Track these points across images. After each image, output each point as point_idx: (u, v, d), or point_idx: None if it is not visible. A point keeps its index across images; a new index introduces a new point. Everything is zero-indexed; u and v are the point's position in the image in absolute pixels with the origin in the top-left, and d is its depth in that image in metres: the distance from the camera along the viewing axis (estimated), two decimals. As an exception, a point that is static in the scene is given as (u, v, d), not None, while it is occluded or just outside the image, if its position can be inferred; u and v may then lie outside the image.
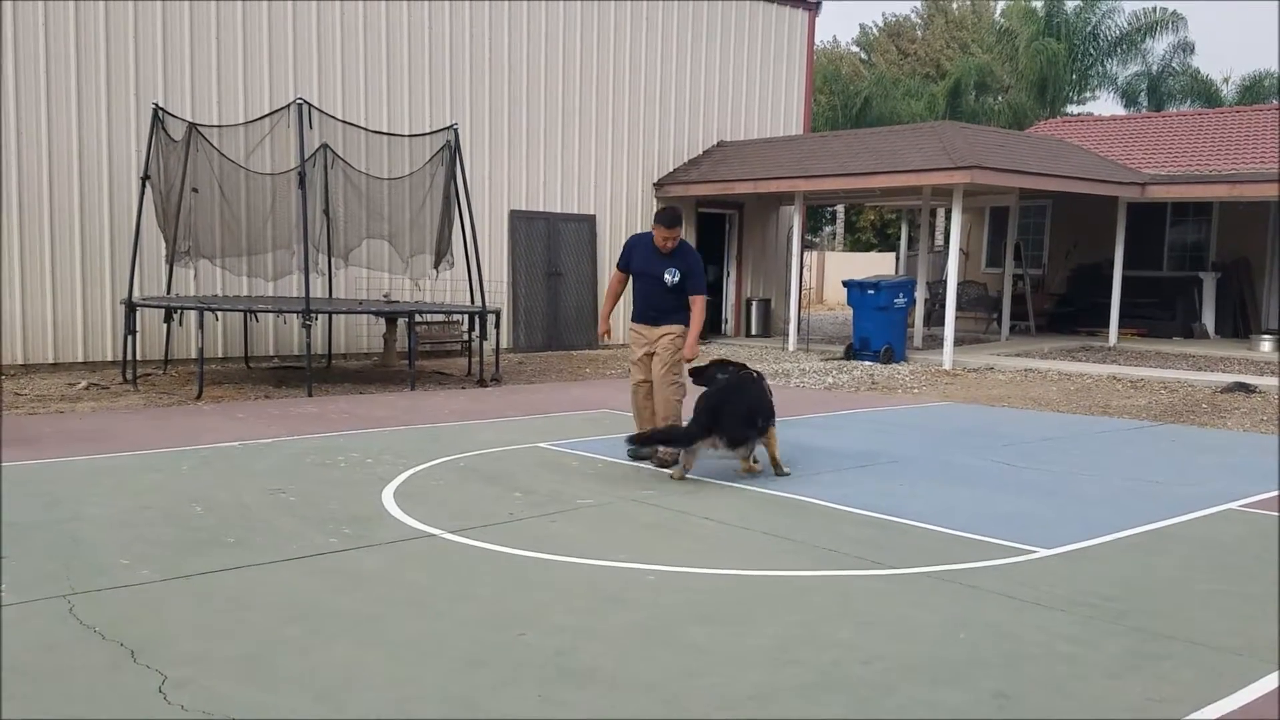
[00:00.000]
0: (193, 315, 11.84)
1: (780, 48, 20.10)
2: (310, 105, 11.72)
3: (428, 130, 13.87)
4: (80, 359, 12.65)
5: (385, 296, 13.94)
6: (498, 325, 12.91)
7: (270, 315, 13.07)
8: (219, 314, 12.50)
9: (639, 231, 8.83)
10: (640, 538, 5.67)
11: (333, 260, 13.43)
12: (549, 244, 17.06)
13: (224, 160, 12.31)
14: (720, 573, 5.01)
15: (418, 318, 12.86)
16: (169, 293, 12.60)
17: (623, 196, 18.02)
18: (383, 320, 13.97)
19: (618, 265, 7.89)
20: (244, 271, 12.90)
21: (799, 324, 17.90)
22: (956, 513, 6.28)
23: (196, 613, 4.33)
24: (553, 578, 4.91)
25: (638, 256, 7.65)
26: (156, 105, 12.11)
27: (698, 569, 5.05)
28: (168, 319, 12.13)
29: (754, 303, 19.98)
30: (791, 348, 17.57)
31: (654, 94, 18.25)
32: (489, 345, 12.84)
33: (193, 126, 12.06)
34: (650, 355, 7.59)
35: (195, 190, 12.15)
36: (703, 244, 19.38)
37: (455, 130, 12.82)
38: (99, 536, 5.38)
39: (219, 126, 12.58)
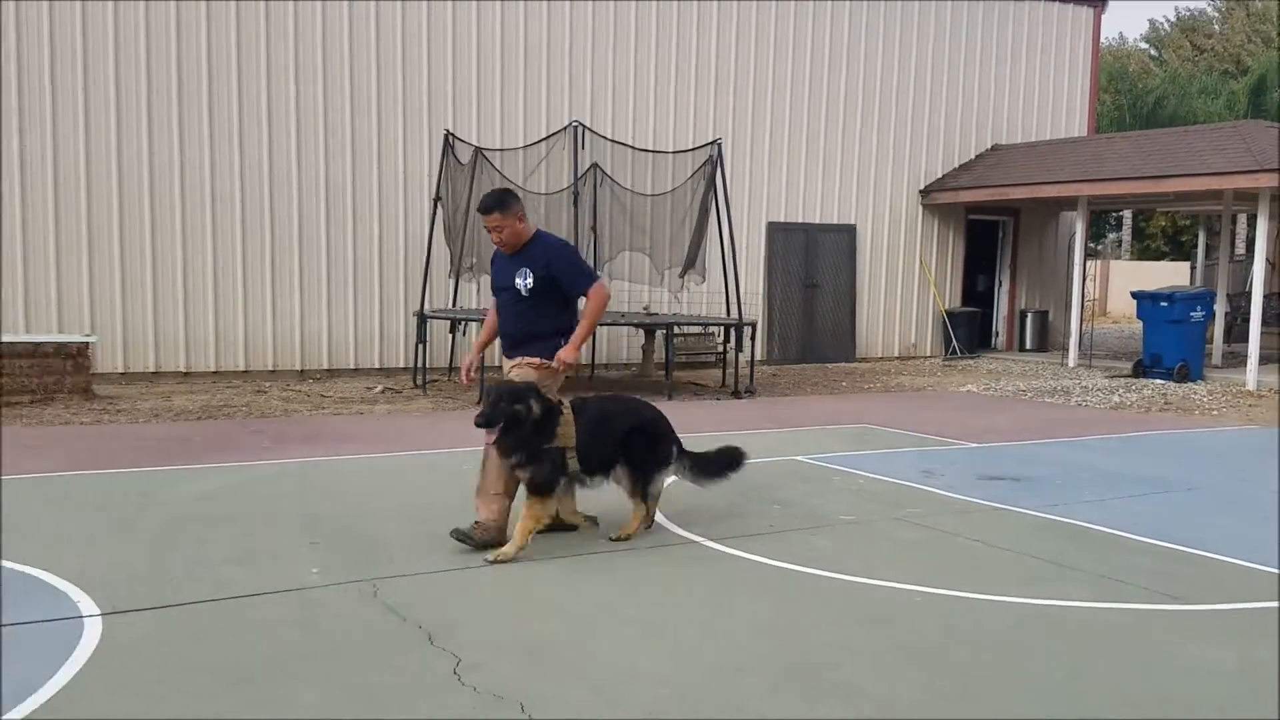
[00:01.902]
0: (474, 326, 12.70)
1: (1062, 46, 19.07)
2: (584, 127, 12.29)
3: (691, 146, 14.19)
4: (377, 365, 13.86)
5: (645, 309, 14.36)
6: (753, 337, 12.99)
7: (541, 326, 13.76)
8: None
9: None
10: (905, 557, 5.55)
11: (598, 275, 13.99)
12: (806, 255, 16.98)
13: (504, 182, 13.14)
14: (990, 598, 4.82)
15: (675, 329, 13.15)
16: (454, 305, 13.57)
17: (885, 205, 17.66)
18: (641, 332, 14.40)
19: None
20: (519, 285, 13.68)
21: (1080, 338, 16.85)
22: (1262, 548, 5.72)
23: (483, 602, 4.65)
24: (815, 591, 4.90)
25: (494, 269, 5.78)
26: (448, 131, 13.10)
27: (966, 592, 4.88)
28: (453, 329, 13.07)
29: (1029, 315, 19.03)
30: (1072, 363, 16.57)
31: (922, 97, 17.77)
32: (744, 357, 12.94)
33: (478, 150, 12.96)
34: None
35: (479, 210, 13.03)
36: (973, 252, 18.70)
37: (719, 145, 13.05)
38: (395, 528, 5.88)
39: (501, 150, 13.44)
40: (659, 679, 3.79)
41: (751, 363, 13.17)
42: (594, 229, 13.72)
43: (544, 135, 13.50)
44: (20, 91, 11.75)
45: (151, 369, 12.57)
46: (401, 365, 13.88)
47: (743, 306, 13.14)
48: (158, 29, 12.33)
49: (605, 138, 13.41)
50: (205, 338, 12.85)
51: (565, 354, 5.51)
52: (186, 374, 12.67)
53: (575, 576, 5.07)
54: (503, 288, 5.65)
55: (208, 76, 12.62)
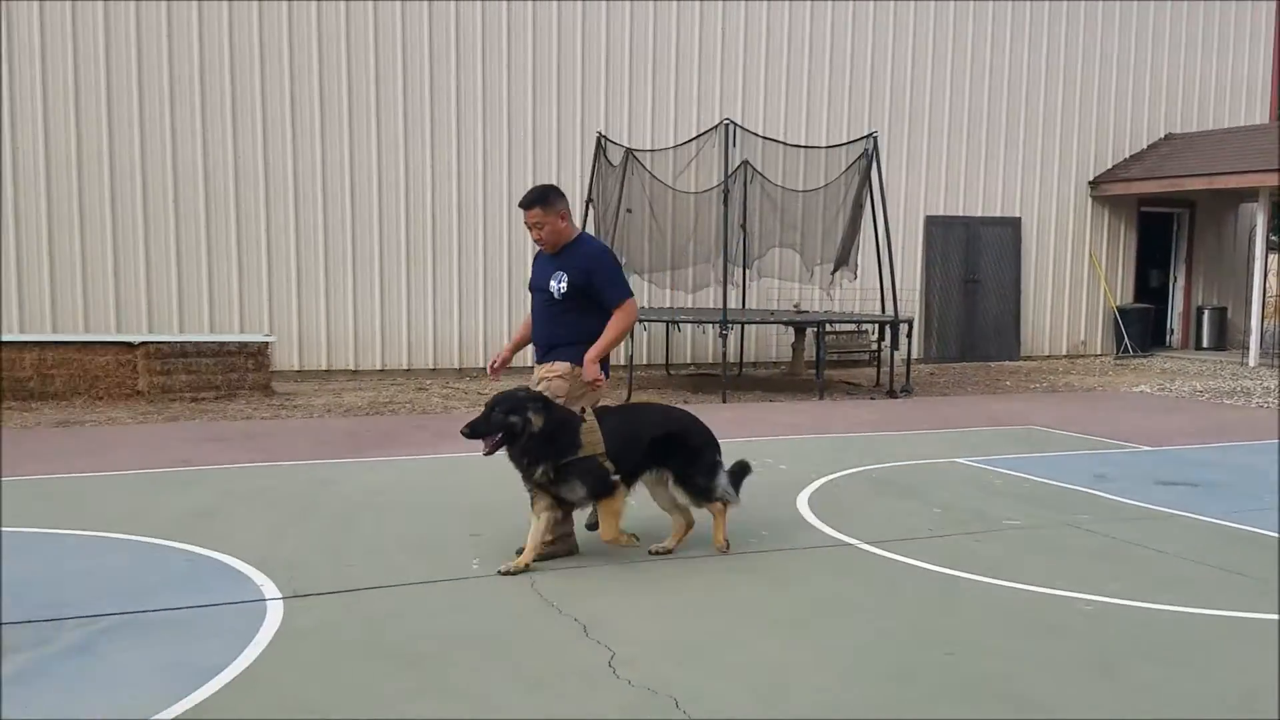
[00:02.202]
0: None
1: (1241, 32, 17.91)
2: (736, 125, 12.26)
3: (845, 140, 13.96)
4: (528, 364, 14.16)
5: (795, 307, 14.21)
6: (909, 335, 12.67)
7: (690, 325, 13.82)
8: (646, 325, 13.44)
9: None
10: (1075, 564, 5.30)
11: (747, 272, 13.95)
12: (967, 250, 16.44)
13: (654, 181, 13.25)
14: (1169, 609, 4.56)
15: (827, 327, 12.96)
16: (604, 304, 13.74)
17: (1052, 197, 16.94)
18: (792, 330, 14.25)
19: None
20: (667, 285, 13.79)
21: (1261, 336, 15.75)
22: None
23: (638, 597, 4.70)
24: (980, 599, 4.74)
25: (534, 269, 5.54)
26: (600, 133, 13.29)
27: (1143, 603, 4.63)
28: (602, 328, 13.25)
29: (1206, 311, 17.93)
30: (1252, 362, 15.51)
31: (1090, 85, 16.97)
32: (899, 355, 12.64)
33: (629, 151, 13.09)
34: None
35: (629, 210, 13.20)
36: (1146, 246, 17.76)
37: (874, 138, 12.79)
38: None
39: (652, 151, 13.54)
40: (816, 684, 3.74)
41: (908, 361, 12.85)
42: (743, 226, 13.66)
43: (695, 134, 13.53)
44: (230, 104, 12.55)
45: (324, 367, 13.23)
46: (555, 364, 14.13)
47: (899, 303, 12.83)
48: (355, 33, 12.96)
49: (757, 134, 13.33)
50: (372, 337, 13.43)
51: (586, 369, 5.19)
52: (355, 372, 13.28)
53: (727, 576, 5.05)
54: (537, 289, 5.41)
55: (375, 82, 13.17)
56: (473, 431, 4.95)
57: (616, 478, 5.00)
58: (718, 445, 5.42)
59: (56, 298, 12.09)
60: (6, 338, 10.92)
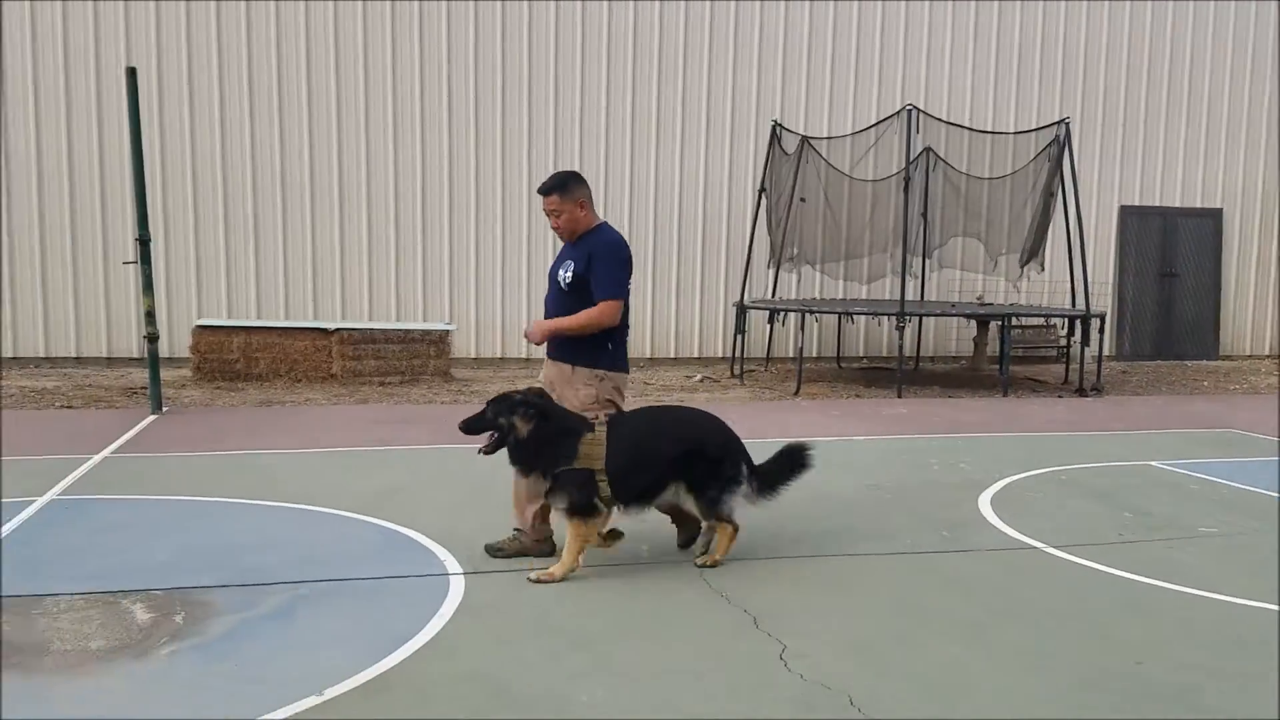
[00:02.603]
0: (793, 317, 12.73)
1: None
2: (919, 110, 11.94)
3: (1034, 126, 13.37)
4: (695, 355, 14.25)
5: (978, 299, 13.72)
6: (1101, 330, 12.03)
7: (864, 317, 13.56)
8: (818, 316, 13.28)
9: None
10: (1275, 576, 4.92)
11: (926, 263, 13.57)
12: (1163, 242, 15.48)
13: (830, 170, 13.05)
14: (1396, 633, 4.17)
15: (1012, 321, 12.46)
16: (773, 296, 13.68)
17: (1257, 186, 15.74)
18: (974, 323, 13.76)
19: None
20: (840, 275, 13.58)
21: None
22: None
23: (808, 591, 4.66)
24: (1173, 608, 4.47)
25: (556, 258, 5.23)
26: (775, 122, 13.19)
27: (1364, 624, 4.26)
28: (771, 320, 13.18)
29: None
30: None
31: (1305, 65, 15.67)
32: (1090, 352, 12.02)
33: (805, 139, 12.94)
34: None
35: (803, 200, 13.06)
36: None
37: (1066, 124, 12.20)
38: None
39: (828, 138, 13.34)
40: (995, 688, 3.62)
41: (1099, 358, 12.21)
42: (924, 215, 13.30)
43: (874, 121, 13.25)
44: (419, 106, 13.18)
45: (498, 355, 13.69)
46: (719, 355, 14.17)
47: (1090, 297, 12.21)
48: (537, 30, 13.38)
49: (940, 120, 12.94)
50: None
51: (533, 331, 5.01)
52: (528, 360, 13.66)
53: (904, 575, 4.94)
54: (550, 278, 5.16)
55: (554, 78, 13.49)
56: (467, 428, 4.76)
57: (600, 501, 4.67)
58: (741, 455, 4.95)
59: (261, 287, 12.97)
60: (216, 323, 11.80)
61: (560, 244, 5.22)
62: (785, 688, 3.59)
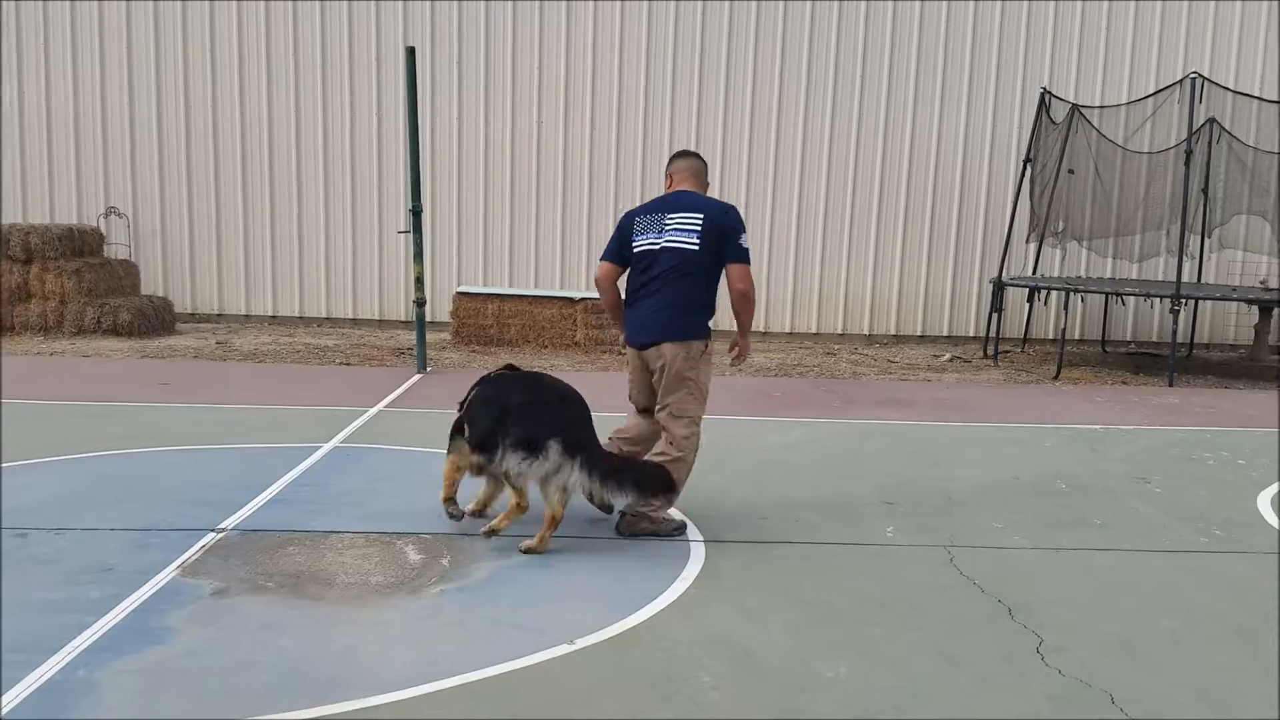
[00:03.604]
0: (1055, 295, 12.00)
1: None
2: (1204, 78, 10.93)
3: (1341, 92, 11.96)
4: (944, 333, 13.73)
5: (1263, 283, 12.46)
6: None
7: (1134, 298, 12.61)
8: (1083, 295, 12.47)
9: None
10: None
11: (1206, 242, 12.44)
12: None
13: (1102, 141, 12.19)
14: None
15: (1306, 308, 11.23)
16: (1034, 273, 12.94)
17: None
18: (1256, 309, 12.51)
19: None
20: (1109, 253, 12.66)
21: None
22: None
23: (1067, 585, 4.42)
24: None
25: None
26: (1044, 89, 12.42)
27: None
28: (1031, 298, 12.48)
29: None
30: None
31: None
32: (1401, 345, 10.65)
33: (1075, 108, 12.14)
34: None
35: (1071, 171, 12.27)
36: None
37: (1378, 89, 10.82)
38: (971, 497, 5.80)
39: (1101, 107, 12.45)
40: (1274, 695, 3.31)
41: None
42: (1205, 191, 12.20)
43: (1153, 90, 12.23)
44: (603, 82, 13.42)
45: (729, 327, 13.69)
46: (971, 334, 13.58)
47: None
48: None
49: (1228, 89, 11.77)
50: (783, 300, 13.67)
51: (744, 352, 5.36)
52: (765, 334, 13.63)
53: (1173, 574, 4.59)
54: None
55: (754, 42, 13.30)
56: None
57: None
58: (540, 423, 4.56)
59: (514, 257, 13.61)
60: (474, 290, 12.50)
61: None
62: (1041, 682, 3.43)
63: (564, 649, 3.58)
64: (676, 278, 4.85)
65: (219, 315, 13.56)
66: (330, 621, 3.76)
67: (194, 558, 4.37)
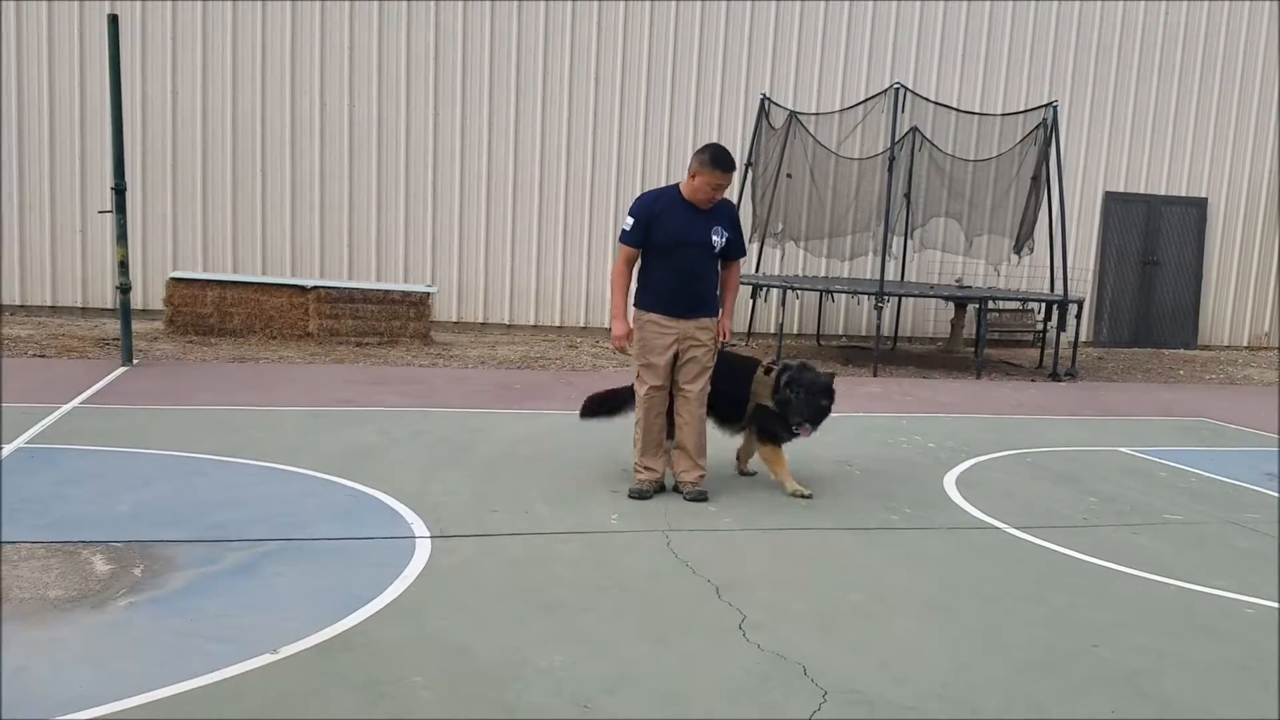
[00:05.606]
0: (775, 293, 12.72)
1: None
2: (906, 89, 11.89)
3: (1021, 109, 13.35)
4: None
5: (957, 281, 13.75)
6: (1078, 316, 12.09)
7: (844, 295, 13.57)
8: (799, 293, 13.28)
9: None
10: (1239, 564, 4.99)
11: (908, 243, 13.57)
12: (1146, 229, 15.55)
13: (817, 146, 13.00)
14: (1347, 623, 4.23)
15: (990, 304, 12.50)
16: (756, 271, 13.65)
17: (1244, 176, 15.81)
18: (952, 305, 13.80)
19: (630, 240, 5.60)
20: (823, 253, 13.55)
21: None
22: None
23: (771, 564, 4.69)
24: (1132, 593, 4.52)
25: (677, 221, 5.53)
26: (764, 95, 13.10)
27: (1316, 614, 4.32)
28: (754, 295, 13.16)
29: None
30: None
31: (1293, 59, 15.68)
32: (1066, 337, 12.08)
33: (793, 114, 12.88)
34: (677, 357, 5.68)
35: (789, 175, 13.01)
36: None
37: (1054, 107, 12.18)
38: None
39: (816, 114, 13.28)
40: (951, 665, 3.66)
41: (1075, 344, 12.29)
42: (907, 195, 13.30)
43: (863, 98, 13.19)
44: (405, 65, 13.02)
45: (480, 320, 13.63)
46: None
47: (1069, 282, 12.25)
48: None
49: (928, 100, 12.89)
50: (527, 293, 13.72)
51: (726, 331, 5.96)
52: (509, 326, 13.62)
53: (866, 551, 4.97)
54: (684, 241, 5.55)
55: (543, 52, 13.35)
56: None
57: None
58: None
59: (238, 241, 12.84)
60: (190, 275, 11.69)
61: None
62: (742, 656, 3.61)
63: (266, 659, 3.39)
64: None
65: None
66: (-5, 644, 3.39)
67: None
